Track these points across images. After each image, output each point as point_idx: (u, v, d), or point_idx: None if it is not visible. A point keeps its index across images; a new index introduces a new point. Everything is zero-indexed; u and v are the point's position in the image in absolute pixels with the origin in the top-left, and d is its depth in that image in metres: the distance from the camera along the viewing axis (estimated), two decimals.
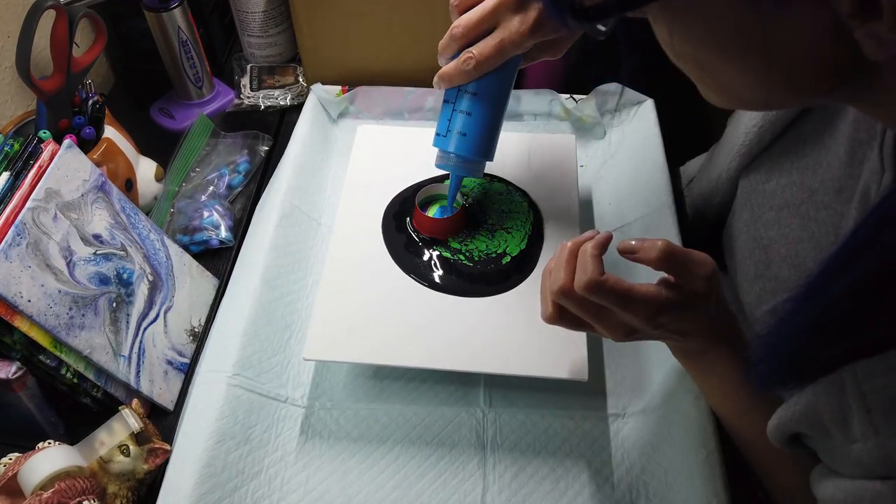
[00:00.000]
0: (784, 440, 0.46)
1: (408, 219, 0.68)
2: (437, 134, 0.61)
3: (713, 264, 0.49)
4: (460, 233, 0.67)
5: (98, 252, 0.59)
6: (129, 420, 0.54)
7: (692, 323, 0.51)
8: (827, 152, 0.50)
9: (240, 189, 0.80)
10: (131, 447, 0.54)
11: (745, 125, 0.59)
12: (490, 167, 0.73)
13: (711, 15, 0.33)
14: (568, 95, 0.85)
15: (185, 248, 0.71)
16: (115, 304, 0.59)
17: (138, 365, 0.61)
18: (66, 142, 0.59)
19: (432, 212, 0.69)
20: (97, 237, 0.59)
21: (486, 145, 0.60)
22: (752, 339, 0.41)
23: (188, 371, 0.66)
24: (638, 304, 0.47)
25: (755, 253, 0.57)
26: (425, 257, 0.65)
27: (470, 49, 0.55)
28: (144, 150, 0.77)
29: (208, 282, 0.71)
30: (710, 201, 0.68)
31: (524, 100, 0.85)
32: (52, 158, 0.56)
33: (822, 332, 0.38)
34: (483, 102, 0.58)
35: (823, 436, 0.42)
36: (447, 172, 0.72)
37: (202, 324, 0.69)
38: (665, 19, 0.36)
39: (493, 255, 0.65)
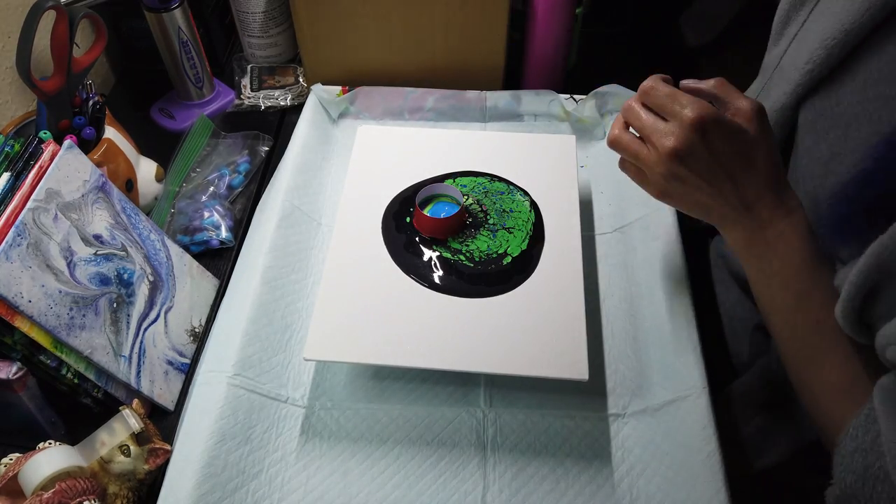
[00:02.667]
0: (857, 303, 0.45)
1: (408, 219, 0.68)
2: None
3: (757, 102, 0.53)
4: (461, 233, 0.67)
5: (98, 252, 0.59)
6: (129, 420, 0.54)
7: (746, 163, 0.52)
8: None
9: (240, 189, 0.80)
10: (132, 447, 0.54)
11: (808, 48, 0.55)
12: (490, 167, 0.73)
13: None
14: (568, 95, 0.85)
15: (186, 248, 0.71)
16: (115, 305, 0.59)
17: (139, 365, 0.61)
18: (67, 142, 0.59)
19: (428, 209, 0.69)
20: (98, 237, 0.59)
21: None
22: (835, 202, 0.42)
23: (189, 371, 0.66)
24: (687, 99, 0.52)
25: (811, 168, 0.55)
26: (425, 257, 0.65)
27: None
28: (145, 150, 0.77)
29: (209, 282, 0.72)
30: None
31: (524, 100, 0.85)
32: (52, 159, 0.56)
33: None
34: None
35: None
36: (447, 172, 0.72)
37: (202, 324, 0.69)
38: None
39: (494, 256, 0.65)
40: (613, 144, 0.58)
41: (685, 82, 0.56)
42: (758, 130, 0.52)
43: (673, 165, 0.53)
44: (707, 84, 0.55)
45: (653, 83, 0.54)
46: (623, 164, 0.60)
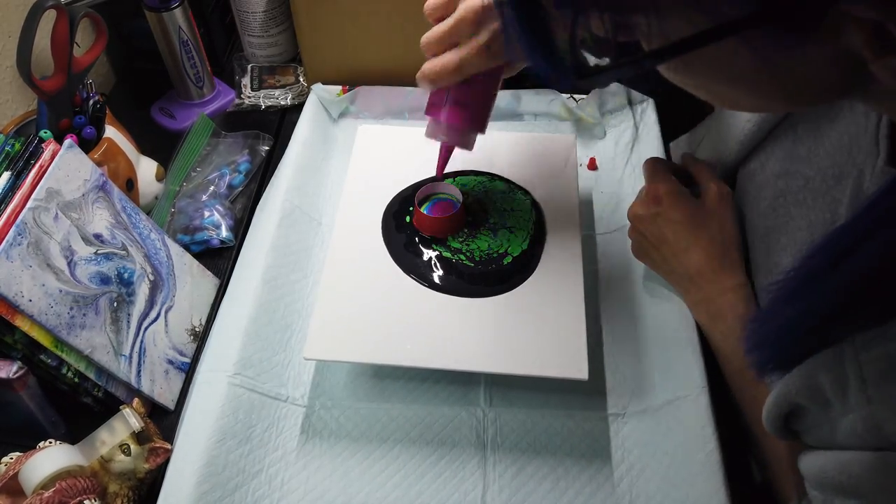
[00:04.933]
0: (779, 423, 0.46)
1: (408, 218, 0.68)
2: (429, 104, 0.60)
3: (725, 187, 0.59)
4: (460, 232, 0.67)
5: (99, 252, 0.59)
6: (129, 419, 0.54)
7: (693, 236, 0.58)
8: (825, 140, 0.50)
9: (240, 189, 0.80)
10: (132, 446, 0.54)
11: (743, 117, 0.60)
12: (490, 167, 0.73)
13: (718, 63, 0.32)
14: (568, 95, 0.85)
15: (186, 247, 0.71)
16: (115, 304, 0.59)
17: (139, 364, 0.61)
18: (67, 141, 0.59)
19: (427, 208, 0.68)
20: (98, 237, 0.59)
21: (479, 118, 0.59)
22: (747, 326, 0.43)
23: (189, 370, 0.66)
24: (660, 176, 0.61)
25: (754, 244, 0.58)
26: (425, 257, 0.65)
27: (430, 63, 0.55)
28: (145, 149, 0.77)
29: (209, 281, 0.72)
30: None
31: (524, 99, 0.85)
32: (52, 158, 0.57)
33: (820, 319, 0.38)
34: (469, 92, 0.58)
35: (822, 406, 0.42)
36: (447, 172, 0.72)
37: (203, 323, 0.69)
38: (672, 68, 0.35)
39: (495, 255, 0.65)
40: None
41: (684, 155, 0.66)
42: (714, 209, 0.59)
43: (635, 225, 0.63)
44: (696, 166, 0.64)
45: (649, 160, 0.65)
46: None
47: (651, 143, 0.78)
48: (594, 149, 0.83)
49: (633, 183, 0.77)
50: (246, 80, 0.93)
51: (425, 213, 0.67)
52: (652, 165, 0.64)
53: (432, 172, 0.72)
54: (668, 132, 0.78)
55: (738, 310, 0.56)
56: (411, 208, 0.68)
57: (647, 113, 0.81)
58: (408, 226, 0.67)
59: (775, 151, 0.56)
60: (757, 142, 0.59)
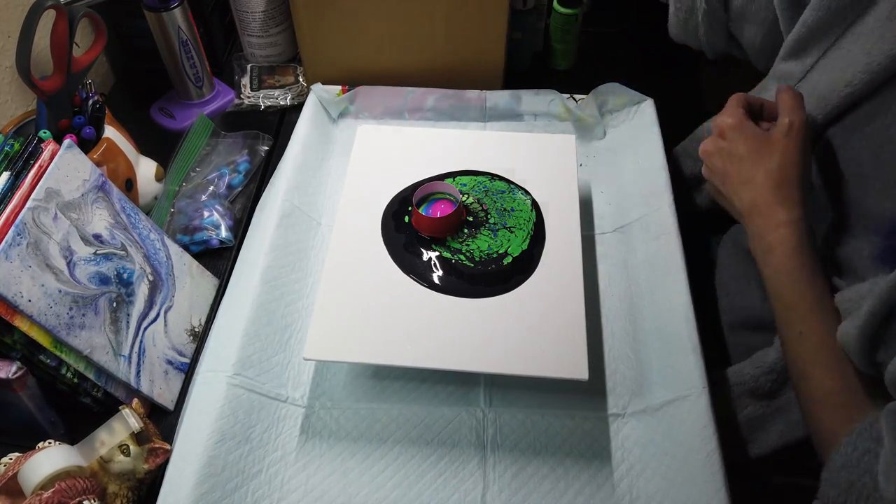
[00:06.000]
0: (867, 342, 0.47)
1: (407, 218, 0.68)
2: None
3: (797, 119, 0.56)
4: (460, 232, 0.67)
5: (98, 252, 0.59)
6: (129, 420, 0.54)
7: (753, 169, 0.57)
8: None
9: (240, 189, 0.80)
10: (131, 447, 0.54)
11: (849, 69, 0.56)
12: (489, 167, 0.73)
13: None
14: (568, 95, 0.85)
15: (186, 247, 0.71)
16: (115, 304, 0.59)
17: (138, 365, 0.61)
18: (67, 142, 0.59)
19: (424, 209, 0.68)
20: (97, 237, 0.59)
21: None
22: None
23: (188, 371, 0.66)
24: (726, 112, 0.60)
25: (866, 200, 0.57)
26: (425, 257, 0.65)
27: None
28: (144, 149, 0.77)
29: (208, 281, 0.72)
30: None
31: (524, 100, 0.85)
32: (52, 158, 0.56)
33: None
34: None
35: None
36: (447, 172, 0.72)
37: (202, 323, 0.69)
38: None
39: (495, 256, 0.65)
40: None
41: (779, 87, 0.61)
42: (779, 141, 0.56)
43: (706, 162, 0.62)
44: (780, 95, 0.60)
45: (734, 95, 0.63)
46: None
47: (651, 143, 0.78)
48: (594, 149, 0.83)
49: (633, 182, 0.77)
50: (245, 80, 0.93)
51: (423, 213, 0.67)
52: (730, 99, 0.62)
53: (432, 172, 0.72)
54: (668, 132, 0.78)
55: (789, 245, 0.55)
56: (410, 208, 0.68)
57: (647, 113, 0.81)
58: (407, 226, 0.67)
59: (871, 121, 0.55)
60: (867, 94, 0.56)
